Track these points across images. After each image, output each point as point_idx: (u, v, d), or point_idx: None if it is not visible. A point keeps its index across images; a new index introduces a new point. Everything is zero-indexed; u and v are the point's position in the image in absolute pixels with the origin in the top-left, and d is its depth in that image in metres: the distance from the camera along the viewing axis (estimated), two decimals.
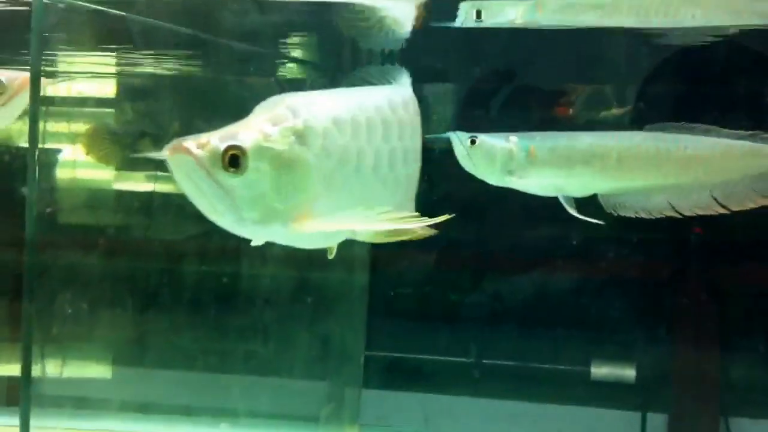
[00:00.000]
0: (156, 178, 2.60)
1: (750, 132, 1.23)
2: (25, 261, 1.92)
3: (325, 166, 1.14)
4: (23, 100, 1.82)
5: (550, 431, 2.55)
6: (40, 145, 1.89)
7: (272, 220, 1.10)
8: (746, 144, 1.23)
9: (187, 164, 1.04)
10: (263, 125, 1.10)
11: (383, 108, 1.26)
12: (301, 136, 1.12)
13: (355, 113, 1.21)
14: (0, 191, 2.49)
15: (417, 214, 1.18)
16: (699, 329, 2.49)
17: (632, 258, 2.51)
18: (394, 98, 1.29)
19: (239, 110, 1.18)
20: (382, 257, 2.52)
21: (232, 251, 2.53)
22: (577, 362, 2.53)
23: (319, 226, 1.12)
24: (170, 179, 1.10)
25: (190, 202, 1.10)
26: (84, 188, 2.68)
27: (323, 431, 2.61)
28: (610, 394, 2.52)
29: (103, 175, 2.66)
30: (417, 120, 1.33)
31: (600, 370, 2.52)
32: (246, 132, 1.08)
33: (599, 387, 2.51)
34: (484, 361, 2.60)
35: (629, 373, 2.50)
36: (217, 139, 1.06)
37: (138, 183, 2.65)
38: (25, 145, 1.90)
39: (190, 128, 2.64)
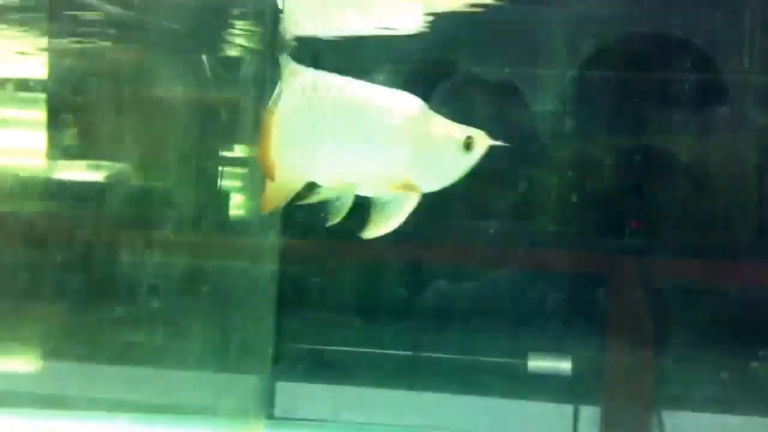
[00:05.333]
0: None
1: None
2: None
3: None
4: None
5: (482, 423, 2.55)
6: None
7: None
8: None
9: None
10: None
11: None
12: None
13: None
14: None
15: None
16: (632, 323, 2.51)
17: (568, 252, 2.52)
18: None
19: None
20: (293, 246, 2.45)
21: (139, 238, 2.42)
22: (513, 355, 2.53)
23: None
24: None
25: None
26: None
27: (223, 423, 2.53)
28: (545, 387, 2.52)
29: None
30: None
31: (537, 363, 2.53)
32: None
33: (536, 379, 2.52)
34: (413, 353, 2.58)
35: (565, 365, 2.51)
36: None
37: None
38: None
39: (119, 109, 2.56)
